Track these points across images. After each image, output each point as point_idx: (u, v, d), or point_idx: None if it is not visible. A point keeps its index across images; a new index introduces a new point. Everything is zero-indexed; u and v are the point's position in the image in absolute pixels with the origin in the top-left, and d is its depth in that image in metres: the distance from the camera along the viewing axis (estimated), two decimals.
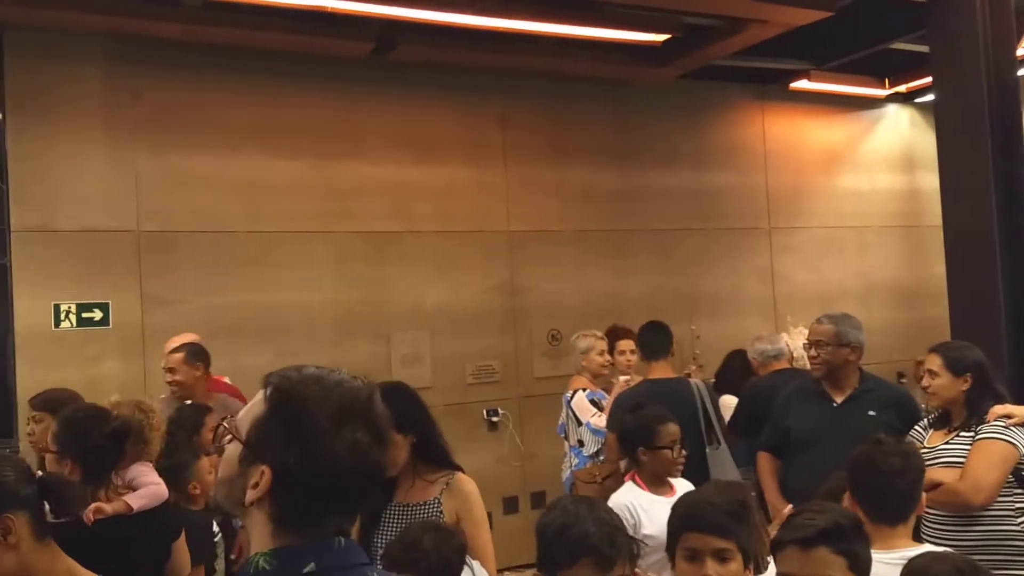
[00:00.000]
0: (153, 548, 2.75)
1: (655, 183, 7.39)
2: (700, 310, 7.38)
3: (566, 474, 5.54)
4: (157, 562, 2.79)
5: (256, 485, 1.22)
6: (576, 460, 5.44)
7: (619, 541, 1.92)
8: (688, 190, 7.52)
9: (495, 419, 6.68)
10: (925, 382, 3.32)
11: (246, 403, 3.89)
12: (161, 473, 2.86)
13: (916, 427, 3.44)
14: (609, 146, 7.21)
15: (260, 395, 1.29)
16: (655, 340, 4.75)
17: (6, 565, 1.59)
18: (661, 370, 4.71)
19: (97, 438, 2.58)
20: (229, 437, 1.29)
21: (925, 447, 3.27)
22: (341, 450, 1.22)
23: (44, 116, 5.45)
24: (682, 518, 2.14)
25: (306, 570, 1.21)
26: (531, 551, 2.05)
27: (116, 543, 2.51)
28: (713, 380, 5.66)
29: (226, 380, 5.28)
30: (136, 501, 2.64)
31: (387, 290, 6.42)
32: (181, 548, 2.83)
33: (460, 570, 2.31)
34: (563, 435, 5.61)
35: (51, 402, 3.58)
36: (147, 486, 2.72)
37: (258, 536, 1.24)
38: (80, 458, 2.58)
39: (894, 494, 2.40)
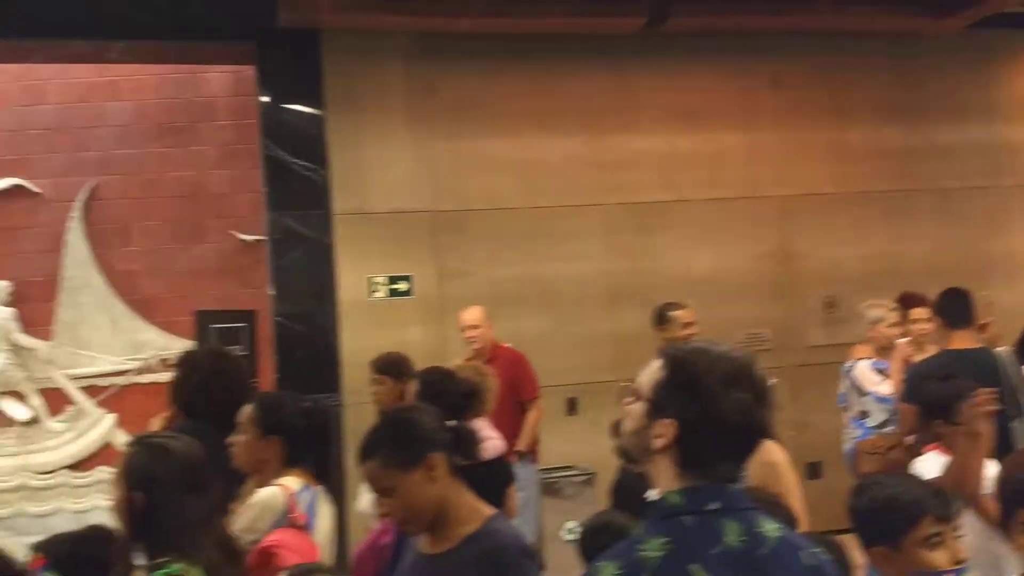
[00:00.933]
0: (491, 494, 3.15)
1: (941, 140, 6.95)
2: (993, 274, 6.84)
3: (848, 445, 5.44)
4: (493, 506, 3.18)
5: (661, 435, 1.46)
6: (859, 431, 5.32)
7: (947, 497, 2.00)
8: (978, 146, 7.00)
9: None
10: None
11: (528, 367, 4.31)
12: None
13: None
14: (890, 103, 6.88)
15: (658, 363, 1.52)
16: (957, 308, 4.52)
17: (430, 494, 2.01)
18: (963, 339, 4.47)
19: (452, 397, 3.00)
20: (632, 398, 1.53)
21: None
22: (730, 408, 1.45)
23: (356, 111, 6.16)
24: (1016, 494, 2.21)
25: (712, 507, 1.43)
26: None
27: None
28: (1013, 349, 5.27)
29: (508, 345, 5.72)
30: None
31: (655, 259, 6.57)
32: (512, 494, 3.21)
33: None
34: (843, 405, 5.50)
35: (390, 365, 4.15)
36: (487, 440, 3.10)
37: (664, 478, 1.48)
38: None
39: None
